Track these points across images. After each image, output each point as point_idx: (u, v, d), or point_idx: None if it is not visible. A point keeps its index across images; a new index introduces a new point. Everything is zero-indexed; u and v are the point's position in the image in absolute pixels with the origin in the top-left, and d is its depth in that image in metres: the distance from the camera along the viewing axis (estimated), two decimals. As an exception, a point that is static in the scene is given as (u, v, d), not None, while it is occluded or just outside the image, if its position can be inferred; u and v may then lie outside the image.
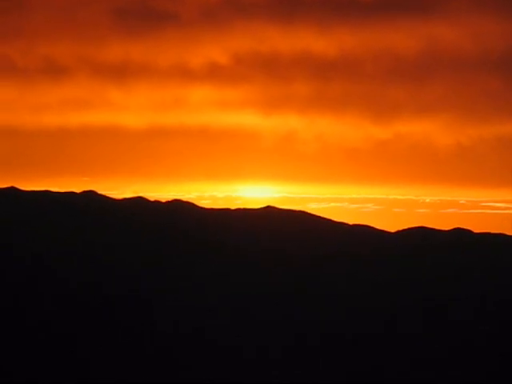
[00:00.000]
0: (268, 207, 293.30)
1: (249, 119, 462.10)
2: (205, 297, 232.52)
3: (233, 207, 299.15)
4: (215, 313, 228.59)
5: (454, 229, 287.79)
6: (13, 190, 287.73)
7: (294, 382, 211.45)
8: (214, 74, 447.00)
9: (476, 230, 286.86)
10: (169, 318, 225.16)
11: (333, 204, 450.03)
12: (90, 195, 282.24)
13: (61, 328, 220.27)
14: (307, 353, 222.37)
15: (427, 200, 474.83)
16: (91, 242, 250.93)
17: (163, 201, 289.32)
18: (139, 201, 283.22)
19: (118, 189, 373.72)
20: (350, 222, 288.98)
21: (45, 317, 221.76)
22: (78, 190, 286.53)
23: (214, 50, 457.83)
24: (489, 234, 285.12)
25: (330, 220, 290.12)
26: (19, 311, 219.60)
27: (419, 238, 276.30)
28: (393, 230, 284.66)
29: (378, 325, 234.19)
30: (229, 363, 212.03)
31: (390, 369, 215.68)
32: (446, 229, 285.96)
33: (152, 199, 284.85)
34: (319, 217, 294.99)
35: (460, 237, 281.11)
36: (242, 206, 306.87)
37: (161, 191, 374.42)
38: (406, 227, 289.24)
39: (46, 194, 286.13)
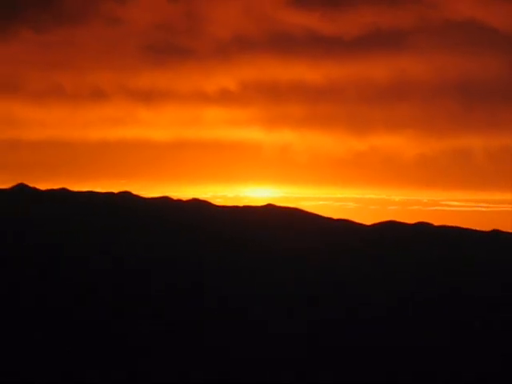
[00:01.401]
0: (268, 205, 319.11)
1: (253, 134, 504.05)
2: (230, 280, 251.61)
3: (240, 205, 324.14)
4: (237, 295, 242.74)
5: (418, 222, 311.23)
6: (64, 191, 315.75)
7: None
8: (224, 97, 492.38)
9: (436, 223, 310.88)
10: (203, 304, 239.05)
11: (321, 202, 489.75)
12: (126, 195, 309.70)
13: (116, 324, 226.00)
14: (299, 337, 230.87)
15: (396, 199, 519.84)
16: (126, 236, 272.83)
17: (184, 199, 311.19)
18: (164, 199, 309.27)
19: (148, 189, 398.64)
20: (335, 217, 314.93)
21: (98, 311, 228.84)
22: (115, 190, 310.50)
23: (225, 78, 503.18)
24: (446, 226, 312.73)
25: (318, 215, 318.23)
26: (74, 306, 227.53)
27: (390, 230, 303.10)
28: (369, 223, 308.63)
29: (357, 307, 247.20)
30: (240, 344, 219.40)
31: (361, 354, 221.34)
32: (412, 222, 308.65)
33: (175, 198, 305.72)
34: (310, 213, 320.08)
35: (422, 229, 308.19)
36: (247, 204, 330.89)
37: (182, 192, 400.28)
38: (379, 221, 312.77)
39: (92, 193, 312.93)
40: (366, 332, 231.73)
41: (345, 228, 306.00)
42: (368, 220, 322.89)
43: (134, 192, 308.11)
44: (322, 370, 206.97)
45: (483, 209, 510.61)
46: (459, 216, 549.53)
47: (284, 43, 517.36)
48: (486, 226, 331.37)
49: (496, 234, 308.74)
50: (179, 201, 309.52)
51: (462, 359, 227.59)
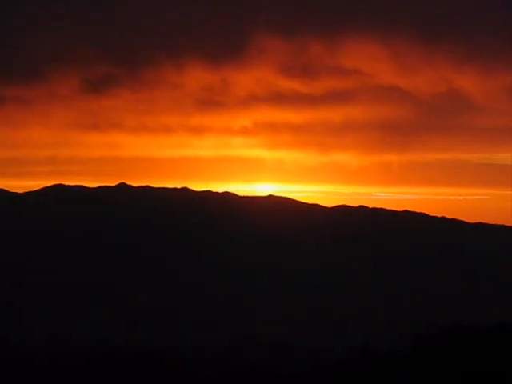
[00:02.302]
0: (270, 195, 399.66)
1: (260, 153, 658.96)
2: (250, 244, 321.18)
3: (253, 195, 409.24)
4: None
5: (360, 205, 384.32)
6: (185, 190, 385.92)
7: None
8: (244, 131, 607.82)
9: (370, 206, 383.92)
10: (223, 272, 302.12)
11: (300, 194, 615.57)
12: (184, 190, 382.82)
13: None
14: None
15: (346, 191, 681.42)
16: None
17: (220, 192, 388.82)
18: (208, 192, 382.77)
19: (198, 186, 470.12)
20: (309, 202, 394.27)
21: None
22: (178, 186, 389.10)
23: (244, 119, 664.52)
24: (378, 208, 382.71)
25: (299, 201, 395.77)
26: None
27: (341, 210, 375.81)
28: (330, 206, 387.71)
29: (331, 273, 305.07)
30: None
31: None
32: (355, 205, 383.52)
33: (214, 191, 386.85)
34: (294, 199, 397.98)
35: (363, 209, 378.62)
36: (257, 195, 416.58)
37: (218, 187, 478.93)
38: (335, 205, 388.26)
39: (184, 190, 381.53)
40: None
41: (315, 208, 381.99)
42: (329, 204, 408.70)
43: (190, 187, 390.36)
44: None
45: (397, 197, 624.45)
46: (383, 202, 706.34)
47: (279, 98, 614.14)
48: (399, 207, 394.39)
49: (407, 213, 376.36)
50: (216, 193, 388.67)
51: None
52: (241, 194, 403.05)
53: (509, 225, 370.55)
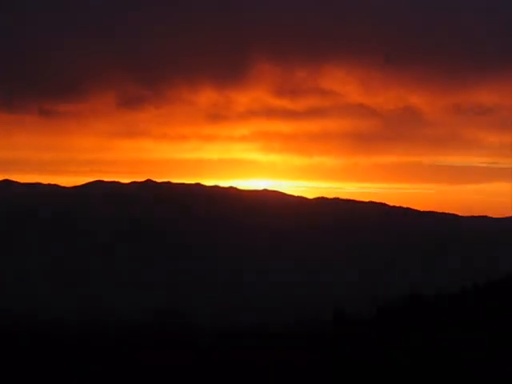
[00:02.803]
0: (264, 189, 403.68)
1: (257, 156, 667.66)
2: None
3: (251, 189, 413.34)
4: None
5: (319, 197, 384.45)
6: (198, 184, 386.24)
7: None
8: (244, 139, 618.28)
9: (330, 197, 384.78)
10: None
11: (288, 188, 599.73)
12: (198, 185, 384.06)
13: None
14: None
15: (324, 186, 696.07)
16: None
17: (225, 187, 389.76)
18: (215, 187, 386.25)
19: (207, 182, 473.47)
20: (295, 195, 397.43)
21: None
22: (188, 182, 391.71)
23: (244, 130, 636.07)
24: (352, 200, 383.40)
25: (288, 194, 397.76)
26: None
27: (320, 201, 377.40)
28: (311, 197, 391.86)
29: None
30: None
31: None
32: (331, 197, 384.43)
33: (222, 186, 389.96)
34: (285, 193, 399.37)
35: (321, 200, 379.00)
36: (253, 189, 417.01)
37: (223, 183, 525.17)
38: (316, 196, 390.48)
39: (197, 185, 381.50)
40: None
41: (299, 199, 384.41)
42: (311, 196, 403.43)
43: (202, 183, 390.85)
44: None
45: (364, 190, 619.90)
46: (352, 195, 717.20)
47: (271, 113, 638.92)
48: (365, 199, 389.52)
49: (371, 203, 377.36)
50: (222, 187, 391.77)
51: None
52: (241, 188, 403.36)
53: (450, 212, 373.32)
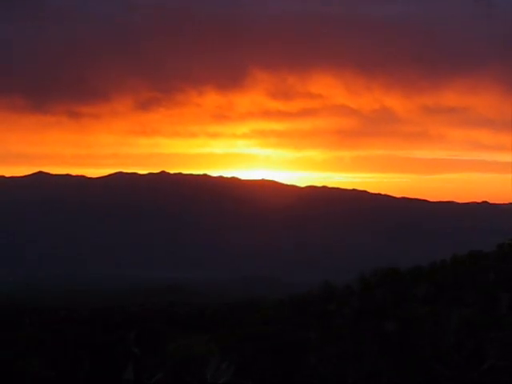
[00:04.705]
0: (262, 179, 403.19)
1: (255, 151, 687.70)
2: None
3: (251, 178, 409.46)
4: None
5: (308, 186, 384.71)
6: (205, 175, 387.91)
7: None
8: (244, 136, 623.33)
9: (332, 186, 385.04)
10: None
11: (282, 177, 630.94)
12: (204, 176, 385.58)
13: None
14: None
15: (313, 176, 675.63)
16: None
17: (226, 177, 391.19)
18: (220, 177, 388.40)
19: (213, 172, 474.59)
20: (286, 183, 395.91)
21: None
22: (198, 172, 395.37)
23: (245, 128, 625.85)
24: (338, 188, 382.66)
25: (282, 183, 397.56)
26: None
27: (310, 189, 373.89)
28: (303, 185, 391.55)
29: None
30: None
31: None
32: (320, 185, 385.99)
33: (229, 177, 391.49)
34: (279, 182, 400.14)
35: (310, 189, 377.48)
36: (253, 178, 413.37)
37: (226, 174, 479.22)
38: (307, 185, 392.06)
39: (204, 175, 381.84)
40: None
41: (292, 187, 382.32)
42: (302, 184, 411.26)
43: (208, 174, 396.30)
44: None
45: (348, 180, 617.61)
46: (338, 183, 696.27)
47: (267, 114, 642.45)
48: (349, 187, 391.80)
49: (354, 190, 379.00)
50: (226, 177, 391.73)
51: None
52: (242, 178, 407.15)
53: (421, 197, 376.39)
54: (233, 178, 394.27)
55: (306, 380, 11.86)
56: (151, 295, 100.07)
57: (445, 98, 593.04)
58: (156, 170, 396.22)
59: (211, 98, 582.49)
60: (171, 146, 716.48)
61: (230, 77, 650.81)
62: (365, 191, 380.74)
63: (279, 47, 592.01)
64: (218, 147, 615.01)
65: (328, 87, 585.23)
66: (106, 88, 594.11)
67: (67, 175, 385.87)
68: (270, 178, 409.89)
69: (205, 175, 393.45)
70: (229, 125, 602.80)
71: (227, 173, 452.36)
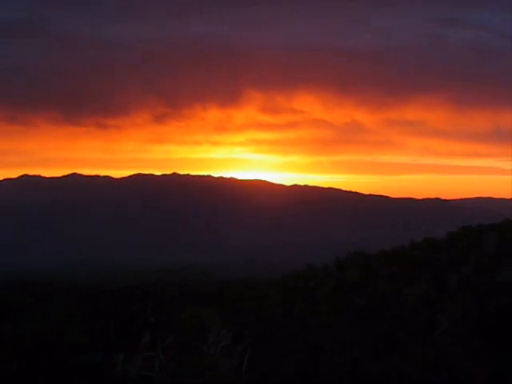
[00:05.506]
0: (255, 179, 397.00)
1: (250, 156, 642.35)
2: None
3: (248, 179, 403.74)
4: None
5: (293, 185, 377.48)
6: (209, 176, 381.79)
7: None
8: (243, 144, 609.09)
9: (310, 185, 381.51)
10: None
11: (272, 178, 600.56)
12: (208, 176, 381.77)
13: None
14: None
15: (298, 177, 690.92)
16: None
17: (228, 177, 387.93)
18: (221, 178, 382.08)
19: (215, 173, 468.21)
20: (277, 183, 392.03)
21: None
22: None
23: (243, 137, 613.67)
24: (318, 186, 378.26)
25: (272, 182, 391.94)
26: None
27: (295, 187, 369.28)
28: (288, 184, 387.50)
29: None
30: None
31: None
32: (302, 184, 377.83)
33: (229, 177, 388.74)
34: (269, 181, 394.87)
35: (297, 187, 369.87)
36: (248, 179, 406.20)
37: (228, 175, 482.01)
38: (292, 184, 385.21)
39: (208, 176, 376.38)
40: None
41: (280, 186, 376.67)
42: (288, 183, 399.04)
43: (212, 174, 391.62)
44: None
45: (326, 180, 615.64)
46: (318, 182, 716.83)
47: (260, 126, 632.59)
48: (327, 185, 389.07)
49: (331, 189, 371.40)
50: (226, 177, 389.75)
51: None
52: (239, 178, 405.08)
53: (386, 194, 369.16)
54: (231, 178, 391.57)
55: (291, 345, 11.91)
56: (164, 275, 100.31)
57: (405, 113, 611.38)
58: (168, 172, 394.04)
59: (213, 113, 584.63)
60: (180, 152, 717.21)
61: (229, 96, 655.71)
62: (339, 189, 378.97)
63: (269, 72, 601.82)
64: (219, 153, 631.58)
65: (308, 104, 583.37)
66: (128, 104, 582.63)
67: (96, 176, 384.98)
68: (262, 179, 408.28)
69: (208, 176, 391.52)
70: (228, 135, 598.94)
71: (227, 174, 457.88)
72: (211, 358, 9.11)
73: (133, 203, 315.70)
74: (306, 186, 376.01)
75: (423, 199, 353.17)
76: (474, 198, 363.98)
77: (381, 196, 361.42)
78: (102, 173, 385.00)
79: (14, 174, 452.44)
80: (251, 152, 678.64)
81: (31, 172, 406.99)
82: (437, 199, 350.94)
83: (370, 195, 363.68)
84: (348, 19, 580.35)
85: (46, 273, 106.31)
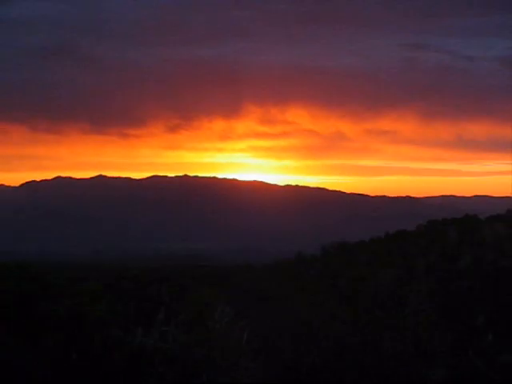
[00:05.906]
0: (254, 180, 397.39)
1: (250, 161, 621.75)
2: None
3: (247, 179, 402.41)
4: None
5: (286, 185, 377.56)
6: (214, 177, 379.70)
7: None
8: (244, 149, 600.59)
9: (302, 185, 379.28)
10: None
11: (268, 179, 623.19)
12: (214, 178, 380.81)
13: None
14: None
15: (290, 178, 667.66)
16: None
17: (231, 178, 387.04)
18: (223, 179, 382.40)
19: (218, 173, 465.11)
20: (273, 183, 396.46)
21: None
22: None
23: (241, 145, 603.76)
24: (307, 186, 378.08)
25: (268, 183, 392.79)
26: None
27: (288, 187, 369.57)
28: (282, 184, 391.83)
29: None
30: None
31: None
32: (294, 184, 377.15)
33: (231, 178, 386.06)
34: (266, 182, 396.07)
35: (291, 188, 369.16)
36: (248, 180, 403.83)
37: (231, 175, 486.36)
38: (285, 184, 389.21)
39: (214, 177, 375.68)
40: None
41: (274, 186, 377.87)
42: (282, 183, 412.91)
43: (217, 176, 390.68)
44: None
45: (315, 180, 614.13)
46: (308, 183, 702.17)
47: (258, 135, 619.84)
48: (315, 185, 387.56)
49: (319, 188, 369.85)
50: (229, 179, 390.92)
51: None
52: (240, 179, 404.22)
53: (365, 193, 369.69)
54: (233, 179, 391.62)
55: (284, 322, 12.06)
56: (176, 261, 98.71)
57: (380, 124, 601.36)
58: (180, 174, 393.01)
59: (218, 124, 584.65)
60: (190, 157, 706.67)
61: (231, 109, 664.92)
62: (325, 188, 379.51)
63: (266, 89, 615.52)
64: (223, 158, 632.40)
65: (300, 117, 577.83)
66: (146, 117, 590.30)
67: (118, 177, 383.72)
68: (260, 180, 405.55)
69: (214, 177, 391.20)
70: (230, 142, 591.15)
71: (230, 175, 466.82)
72: (216, 332, 9.26)
73: (150, 200, 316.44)
74: (297, 186, 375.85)
75: (396, 197, 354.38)
76: (439, 196, 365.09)
77: (360, 194, 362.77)
78: (124, 175, 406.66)
79: (49, 175, 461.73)
80: (250, 157, 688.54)
81: (64, 174, 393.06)
82: (407, 197, 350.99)
83: (352, 194, 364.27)
84: (333, 43, 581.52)
85: (77, 258, 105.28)
